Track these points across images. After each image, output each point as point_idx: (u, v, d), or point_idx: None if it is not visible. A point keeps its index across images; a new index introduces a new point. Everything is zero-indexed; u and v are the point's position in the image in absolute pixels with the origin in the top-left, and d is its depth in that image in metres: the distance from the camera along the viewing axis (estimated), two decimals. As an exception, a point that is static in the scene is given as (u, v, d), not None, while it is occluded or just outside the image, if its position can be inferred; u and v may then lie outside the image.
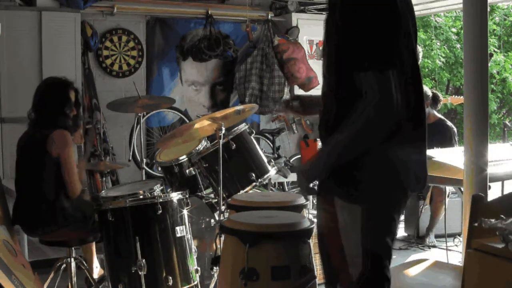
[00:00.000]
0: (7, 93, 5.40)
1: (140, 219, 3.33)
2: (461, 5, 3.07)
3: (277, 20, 7.06)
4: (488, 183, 2.93)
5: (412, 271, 2.54)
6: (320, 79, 2.97)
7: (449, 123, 5.35)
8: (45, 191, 3.48)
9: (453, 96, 7.38)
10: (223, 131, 3.59)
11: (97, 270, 3.95)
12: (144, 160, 4.76)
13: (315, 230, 2.56)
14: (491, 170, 2.99)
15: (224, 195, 3.68)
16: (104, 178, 5.44)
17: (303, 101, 2.52)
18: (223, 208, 3.57)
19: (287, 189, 6.52)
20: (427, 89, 5.35)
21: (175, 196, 3.45)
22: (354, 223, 2.00)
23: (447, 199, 5.02)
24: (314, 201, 6.37)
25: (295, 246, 2.45)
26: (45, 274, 3.50)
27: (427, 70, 11.87)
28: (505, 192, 4.01)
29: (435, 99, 5.32)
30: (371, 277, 2.01)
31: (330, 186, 2.08)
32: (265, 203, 3.01)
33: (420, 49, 6.27)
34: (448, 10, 10.35)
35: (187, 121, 6.52)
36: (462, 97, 6.15)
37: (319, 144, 2.96)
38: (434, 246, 5.20)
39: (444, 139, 5.05)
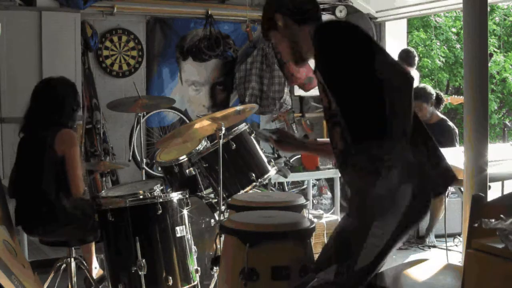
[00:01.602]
0: (7, 93, 5.38)
1: (140, 219, 3.33)
2: (461, 5, 3.07)
3: (277, 20, 7.05)
4: (488, 183, 2.93)
5: (412, 271, 2.54)
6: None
7: (451, 123, 5.32)
8: (45, 190, 3.48)
9: (453, 96, 7.36)
10: (223, 131, 3.59)
11: (96, 271, 3.94)
12: (144, 160, 4.76)
13: (315, 230, 2.56)
14: (491, 170, 2.99)
15: (224, 195, 3.68)
16: (104, 178, 5.43)
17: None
18: (223, 208, 3.57)
19: (287, 189, 6.51)
20: (430, 89, 5.32)
21: (175, 196, 3.44)
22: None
23: (447, 199, 5.01)
24: (314, 201, 6.38)
25: (295, 246, 2.45)
26: (45, 274, 3.50)
27: (427, 70, 11.87)
28: (505, 192, 4.01)
29: (438, 100, 5.29)
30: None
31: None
32: (265, 203, 3.01)
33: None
34: (448, 10, 10.36)
35: (187, 121, 6.52)
36: (462, 97, 6.15)
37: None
38: (434, 246, 5.20)
39: (445, 139, 5.03)
